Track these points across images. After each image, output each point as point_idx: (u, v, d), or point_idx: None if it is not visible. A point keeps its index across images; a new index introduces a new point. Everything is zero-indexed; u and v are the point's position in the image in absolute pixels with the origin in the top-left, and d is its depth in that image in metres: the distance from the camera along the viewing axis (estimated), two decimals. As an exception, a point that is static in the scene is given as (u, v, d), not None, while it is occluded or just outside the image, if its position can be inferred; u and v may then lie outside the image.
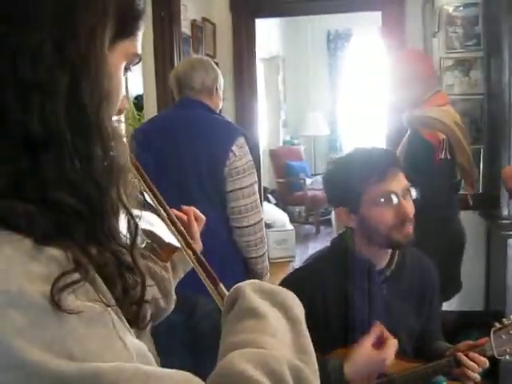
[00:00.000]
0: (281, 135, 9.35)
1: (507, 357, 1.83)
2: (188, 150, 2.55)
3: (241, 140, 2.59)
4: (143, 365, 0.63)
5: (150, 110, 3.98)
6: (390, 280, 1.92)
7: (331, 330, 1.84)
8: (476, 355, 1.81)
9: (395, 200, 1.80)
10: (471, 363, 1.80)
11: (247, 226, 2.57)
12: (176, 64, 3.82)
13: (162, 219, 1.10)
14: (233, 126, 2.82)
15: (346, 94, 9.65)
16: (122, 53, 0.76)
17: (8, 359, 0.57)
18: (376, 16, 5.27)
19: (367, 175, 1.79)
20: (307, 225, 8.55)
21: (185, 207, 1.36)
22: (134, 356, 0.64)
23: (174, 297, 1.28)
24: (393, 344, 1.71)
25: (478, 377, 1.80)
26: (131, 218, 0.78)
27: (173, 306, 1.29)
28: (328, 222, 7.87)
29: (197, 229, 1.33)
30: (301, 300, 1.79)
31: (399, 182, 1.81)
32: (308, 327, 1.76)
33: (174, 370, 0.65)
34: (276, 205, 7.83)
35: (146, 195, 1.10)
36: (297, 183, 8.35)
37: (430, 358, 1.91)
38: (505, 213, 3.68)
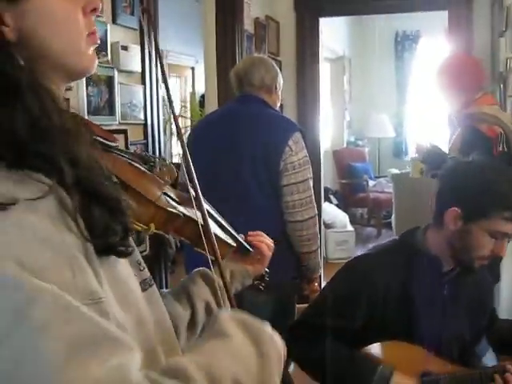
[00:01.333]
0: (345, 136, 9.31)
1: None
2: (245, 143, 2.60)
3: (297, 135, 2.62)
4: (81, 303, 0.66)
5: (211, 108, 4.04)
6: (451, 283, 1.91)
7: (388, 320, 1.85)
8: None
9: (502, 241, 1.81)
10: None
11: (301, 221, 2.58)
12: (238, 61, 3.87)
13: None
14: (289, 121, 2.84)
15: (412, 96, 9.52)
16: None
17: None
18: (445, 17, 5.19)
19: (502, 207, 1.77)
20: (369, 227, 8.48)
21: (256, 232, 1.38)
22: (79, 293, 0.67)
23: (228, 305, 1.26)
24: None
25: None
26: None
27: None
28: (389, 226, 7.77)
29: (268, 252, 1.37)
30: (363, 284, 1.82)
31: None
32: (364, 313, 1.78)
33: (111, 328, 0.67)
34: (337, 206, 7.79)
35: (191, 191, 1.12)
36: (360, 185, 8.30)
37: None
38: None
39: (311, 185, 2.66)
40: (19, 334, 0.62)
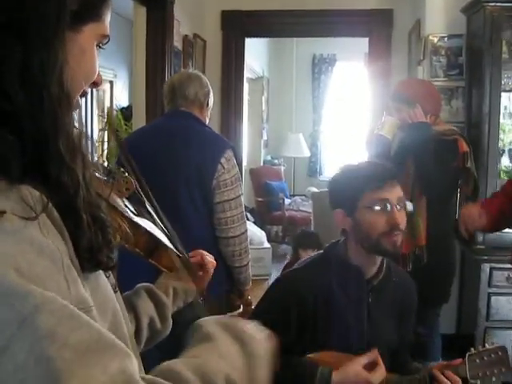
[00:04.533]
0: (262, 155, 9.44)
1: (478, 381, 1.92)
2: (178, 159, 2.60)
3: (229, 153, 2.65)
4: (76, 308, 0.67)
5: (139, 121, 4.04)
6: (375, 290, 2.00)
7: (319, 330, 1.92)
8: (451, 374, 1.89)
9: (388, 208, 1.90)
10: (446, 380, 1.87)
11: (233, 237, 2.62)
12: (167, 76, 3.89)
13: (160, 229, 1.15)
14: (222, 138, 2.88)
15: (328, 117, 9.81)
16: (92, 34, 0.83)
17: None
18: (361, 42, 5.42)
19: (366, 182, 1.91)
20: (284, 244, 8.61)
21: (197, 251, 1.42)
22: (73, 302, 0.68)
23: (171, 322, 1.31)
24: (382, 371, 1.79)
25: None
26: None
27: (168, 331, 1.32)
28: (304, 243, 7.91)
29: (210, 269, 1.41)
30: (293, 299, 1.87)
31: (395, 192, 1.93)
32: (297, 327, 1.84)
33: (110, 335, 0.69)
34: (254, 223, 7.88)
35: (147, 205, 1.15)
36: (275, 203, 8.42)
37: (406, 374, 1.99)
38: (479, 238, 3.77)
39: (242, 201, 2.70)
40: (25, 343, 0.62)
